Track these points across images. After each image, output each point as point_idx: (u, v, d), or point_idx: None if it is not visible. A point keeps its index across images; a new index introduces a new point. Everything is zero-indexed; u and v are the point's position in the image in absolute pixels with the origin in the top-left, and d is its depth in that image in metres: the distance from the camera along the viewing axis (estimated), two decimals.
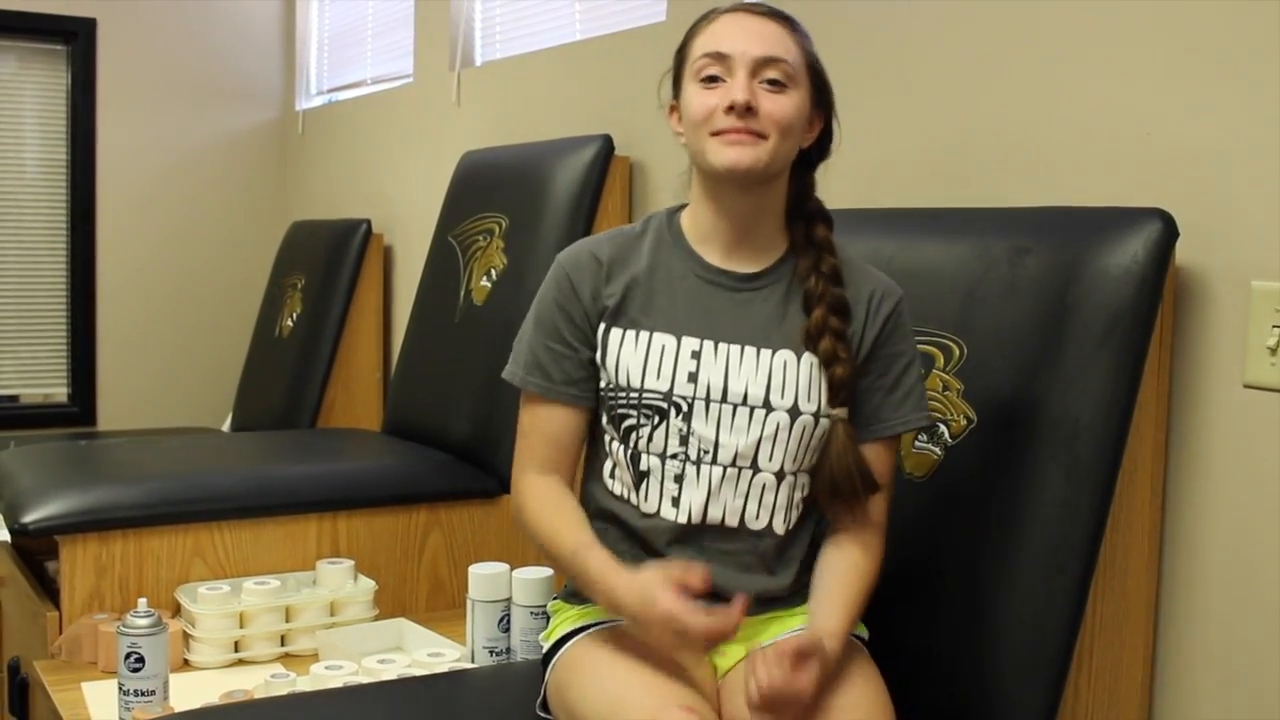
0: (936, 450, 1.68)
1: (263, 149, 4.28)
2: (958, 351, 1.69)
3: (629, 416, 1.50)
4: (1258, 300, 1.55)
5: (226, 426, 3.79)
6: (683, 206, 1.59)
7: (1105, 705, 1.64)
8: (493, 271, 2.59)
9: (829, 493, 1.50)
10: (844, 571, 1.49)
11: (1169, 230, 1.56)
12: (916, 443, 1.70)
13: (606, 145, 2.50)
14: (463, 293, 2.68)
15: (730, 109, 1.43)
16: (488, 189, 2.74)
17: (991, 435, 1.62)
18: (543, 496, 1.52)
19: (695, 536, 1.51)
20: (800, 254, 1.52)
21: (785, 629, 1.52)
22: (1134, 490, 1.62)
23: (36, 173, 3.97)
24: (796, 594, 1.55)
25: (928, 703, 1.60)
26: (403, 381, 2.85)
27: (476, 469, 2.47)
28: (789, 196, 1.54)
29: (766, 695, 1.30)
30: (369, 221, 3.47)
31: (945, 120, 1.92)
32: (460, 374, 2.61)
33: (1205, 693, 1.65)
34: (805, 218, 1.54)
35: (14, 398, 3.81)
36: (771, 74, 1.44)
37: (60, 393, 3.86)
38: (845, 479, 1.48)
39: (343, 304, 3.31)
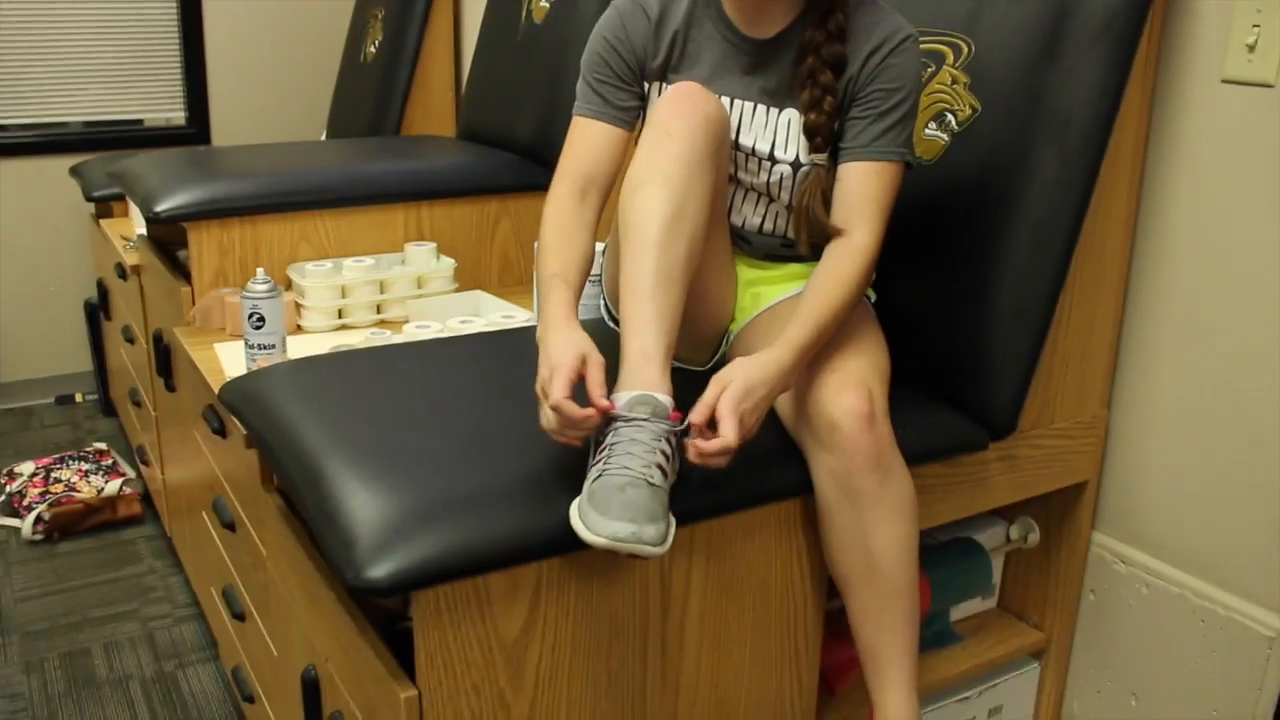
0: (944, 136, 1.66)
1: None
2: (966, 49, 1.66)
3: None
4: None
5: None
6: None
7: (1079, 356, 1.70)
8: None
9: (796, 229, 1.52)
10: (820, 286, 1.42)
11: None
12: (926, 130, 1.68)
13: None
14: (524, 13, 2.63)
15: None
16: None
17: (994, 123, 1.61)
18: (561, 217, 1.45)
19: None
20: (814, 7, 1.46)
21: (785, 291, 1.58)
22: (1116, 174, 1.62)
23: None
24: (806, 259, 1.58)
25: (925, 355, 1.65)
26: (473, 95, 2.82)
27: (540, 166, 2.46)
28: None
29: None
30: None
31: None
32: (523, 85, 2.58)
33: (1168, 347, 1.70)
34: None
35: (139, 121, 3.83)
36: None
37: (179, 116, 3.84)
38: (799, 218, 1.50)
39: (418, 30, 3.24)
